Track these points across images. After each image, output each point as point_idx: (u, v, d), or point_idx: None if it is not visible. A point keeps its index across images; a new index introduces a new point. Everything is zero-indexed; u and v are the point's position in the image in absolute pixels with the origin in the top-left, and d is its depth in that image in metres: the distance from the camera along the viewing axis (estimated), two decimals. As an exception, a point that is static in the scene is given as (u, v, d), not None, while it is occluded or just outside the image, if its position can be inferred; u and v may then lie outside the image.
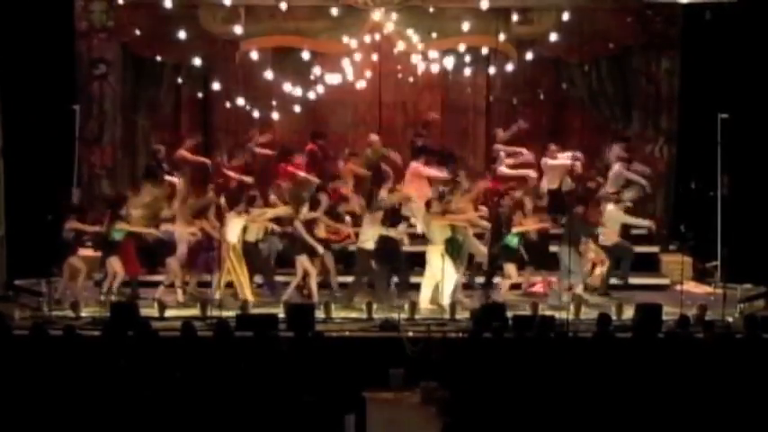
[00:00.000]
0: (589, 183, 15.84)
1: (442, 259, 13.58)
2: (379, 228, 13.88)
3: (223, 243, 13.82)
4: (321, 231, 14.11)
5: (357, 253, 14.17)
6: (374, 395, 10.71)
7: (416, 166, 15.67)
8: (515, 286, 14.39)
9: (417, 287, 13.93)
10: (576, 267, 13.80)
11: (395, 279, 14.30)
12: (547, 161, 16.13)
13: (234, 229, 13.85)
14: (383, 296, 13.89)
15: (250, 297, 13.78)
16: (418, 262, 14.45)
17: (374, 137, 16.57)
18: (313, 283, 13.99)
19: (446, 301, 13.57)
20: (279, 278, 14.53)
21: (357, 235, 14.38)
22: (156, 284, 14.30)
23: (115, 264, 13.85)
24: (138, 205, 14.39)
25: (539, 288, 14.67)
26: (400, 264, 14.22)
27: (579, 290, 13.84)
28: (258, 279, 14.50)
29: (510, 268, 14.01)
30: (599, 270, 14.64)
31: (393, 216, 14.90)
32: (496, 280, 14.37)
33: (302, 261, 13.97)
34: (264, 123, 16.82)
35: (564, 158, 16.19)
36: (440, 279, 13.63)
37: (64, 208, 14.24)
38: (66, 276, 14.01)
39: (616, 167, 15.97)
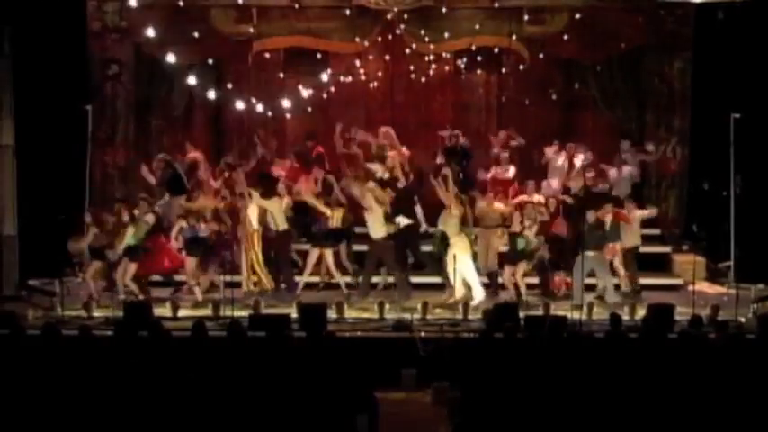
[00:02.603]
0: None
1: (454, 253, 13.60)
2: (382, 220, 13.93)
3: (246, 232, 13.92)
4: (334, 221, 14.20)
5: (370, 245, 14.16)
6: (386, 395, 10.70)
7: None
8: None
9: (425, 287, 14.01)
10: (605, 270, 13.82)
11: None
12: (578, 160, 16.01)
13: (252, 214, 13.94)
14: (403, 289, 13.92)
15: (270, 285, 13.92)
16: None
17: (384, 129, 16.51)
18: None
19: (477, 296, 13.59)
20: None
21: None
22: (167, 284, 14.35)
23: (130, 266, 13.83)
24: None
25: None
26: (417, 256, 14.30)
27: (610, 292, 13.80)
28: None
29: (507, 269, 13.99)
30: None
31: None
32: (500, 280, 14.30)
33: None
34: (276, 124, 16.85)
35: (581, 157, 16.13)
36: (464, 274, 13.65)
37: (78, 225, 14.22)
38: (89, 275, 13.98)
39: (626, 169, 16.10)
